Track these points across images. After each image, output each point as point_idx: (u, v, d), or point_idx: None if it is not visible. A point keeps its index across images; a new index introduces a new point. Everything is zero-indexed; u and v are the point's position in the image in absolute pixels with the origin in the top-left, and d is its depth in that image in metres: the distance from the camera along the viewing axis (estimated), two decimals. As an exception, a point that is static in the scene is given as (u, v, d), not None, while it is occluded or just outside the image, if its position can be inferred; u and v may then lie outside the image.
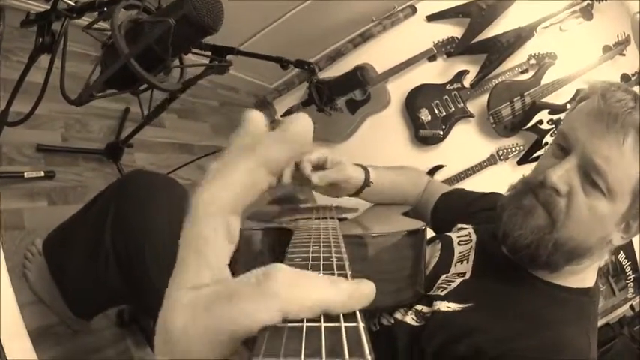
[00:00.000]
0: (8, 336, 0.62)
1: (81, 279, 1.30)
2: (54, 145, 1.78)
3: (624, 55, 2.84)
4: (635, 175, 0.78)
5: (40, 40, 1.07)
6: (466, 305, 0.86)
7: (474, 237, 1.03)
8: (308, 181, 0.99)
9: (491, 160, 3.07)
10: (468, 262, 0.98)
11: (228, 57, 1.23)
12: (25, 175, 1.58)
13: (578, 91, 2.70)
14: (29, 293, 1.42)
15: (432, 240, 1.12)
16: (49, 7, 1.07)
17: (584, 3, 2.83)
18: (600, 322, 2.63)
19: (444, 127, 3.14)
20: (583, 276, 0.89)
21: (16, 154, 1.63)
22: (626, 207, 0.80)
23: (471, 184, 3.01)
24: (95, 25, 1.05)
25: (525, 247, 0.86)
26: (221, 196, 0.36)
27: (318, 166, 1.04)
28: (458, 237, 1.06)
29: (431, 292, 0.93)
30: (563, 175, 0.82)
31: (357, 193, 1.12)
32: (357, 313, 0.29)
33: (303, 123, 0.38)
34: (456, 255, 1.01)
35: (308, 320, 0.27)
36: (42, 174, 1.64)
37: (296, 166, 1.01)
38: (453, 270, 0.98)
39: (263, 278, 0.29)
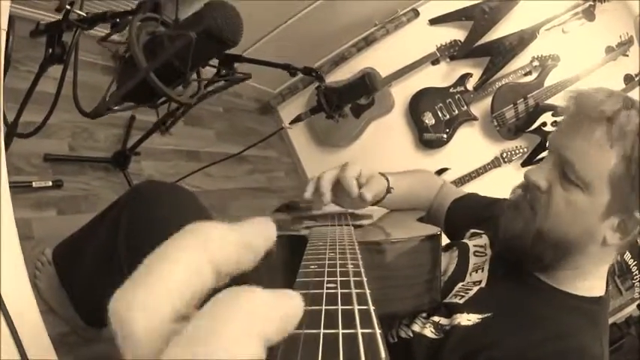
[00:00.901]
0: (29, 338, 0.63)
1: (92, 288, 1.31)
2: (61, 154, 1.78)
3: (627, 55, 2.85)
4: (608, 165, 0.80)
5: (50, 50, 1.07)
6: (485, 316, 0.86)
7: (489, 251, 1.03)
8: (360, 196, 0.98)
9: (495, 163, 3.07)
10: (483, 270, 0.98)
11: (238, 65, 1.23)
12: (33, 184, 1.59)
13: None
14: (40, 303, 1.42)
15: (448, 247, 1.12)
16: (59, 18, 1.07)
17: (587, 4, 2.84)
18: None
19: (447, 130, 3.15)
20: (591, 283, 0.89)
21: (24, 163, 1.63)
22: (606, 200, 0.82)
23: (475, 187, 3.01)
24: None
25: (513, 238, 0.92)
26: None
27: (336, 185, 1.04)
28: (474, 245, 1.06)
29: (447, 300, 0.93)
30: (540, 173, 0.89)
31: (379, 201, 1.12)
32: (374, 319, 0.29)
33: (266, 232, 0.29)
34: (471, 265, 1.01)
35: (325, 327, 0.27)
36: (50, 183, 1.64)
37: (336, 182, 1.00)
38: (468, 279, 0.98)
39: None
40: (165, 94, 0.93)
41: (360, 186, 1.00)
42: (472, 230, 1.13)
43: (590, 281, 0.90)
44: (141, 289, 0.20)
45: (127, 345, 0.19)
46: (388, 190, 1.11)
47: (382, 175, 1.13)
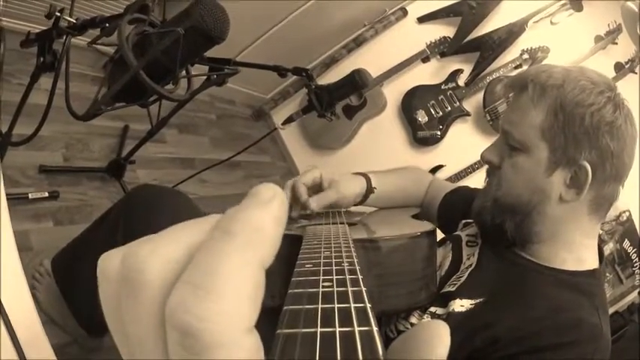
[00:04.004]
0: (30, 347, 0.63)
1: (92, 296, 1.30)
2: (56, 165, 1.78)
3: (616, 43, 2.85)
4: (537, 122, 0.86)
5: (42, 59, 1.07)
6: (478, 300, 0.87)
7: (480, 240, 1.04)
8: (304, 205, 1.02)
9: (491, 157, 3.07)
10: (474, 255, 0.99)
11: (229, 67, 1.23)
12: (30, 196, 1.59)
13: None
14: (40, 314, 1.41)
15: (443, 242, 1.12)
16: (49, 26, 1.07)
17: (573, -5, 2.85)
18: (610, 311, 2.62)
19: (441, 127, 3.15)
20: (579, 256, 0.90)
21: (20, 175, 1.63)
22: (546, 153, 0.86)
23: (472, 182, 3.02)
24: (99, 41, 1.06)
25: (478, 215, 0.99)
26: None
27: (314, 186, 1.08)
28: (466, 235, 1.07)
29: (443, 290, 0.94)
30: (491, 149, 0.97)
31: (362, 201, 1.14)
32: (370, 316, 0.28)
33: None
34: (465, 256, 1.03)
35: (322, 326, 0.27)
36: (46, 194, 1.64)
37: (292, 190, 1.04)
38: (462, 267, 0.99)
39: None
40: (155, 91, 0.93)
41: (321, 191, 1.06)
42: (464, 221, 1.14)
43: (575, 253, 0.90)
44: (211, 300, 0.19)
45: (192, 349, 0.18)
46: (370, 190, 1.13)
47: (363, 175, 1.14)
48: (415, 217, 1.12)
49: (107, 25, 0.98)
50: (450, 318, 0.86)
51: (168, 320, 0.19)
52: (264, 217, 0.22)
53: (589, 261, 0.91)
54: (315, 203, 1.01)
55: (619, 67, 2.84)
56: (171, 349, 0.19)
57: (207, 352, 0.18)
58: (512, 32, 2.92)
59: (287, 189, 1.06)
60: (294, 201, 1.06)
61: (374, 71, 3.12)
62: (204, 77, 1.23)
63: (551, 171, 0.86)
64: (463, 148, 3.13)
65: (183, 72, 1.12)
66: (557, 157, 0.85)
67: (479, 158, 3.09)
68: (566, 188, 0.86)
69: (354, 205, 1.14)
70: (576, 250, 0.90)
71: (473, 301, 0.87)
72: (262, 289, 0.21)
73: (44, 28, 1.13)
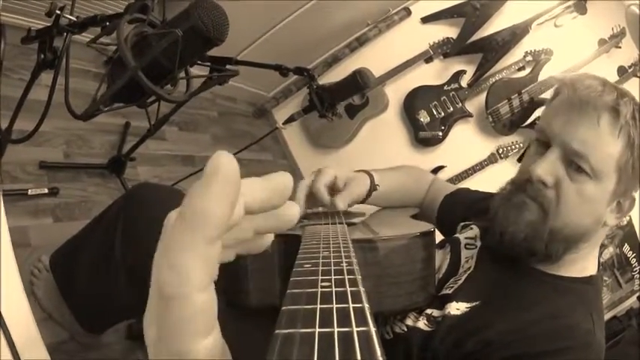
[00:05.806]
0: (24, 346, 0.63)
1: (90, 294, 1.30)
2: (56, 161, 1.78)
3: (620, 47, 2.85)
4: (616, 153, 0.81)
5: (42, 56, 1.07)
6: (474, 304, 0.87)
7: (479, 242, 1.03)
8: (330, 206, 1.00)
9: (492, 159, 3.07)
10: (472, 258, 0.99)
11: (230, 66, 1.23)
12: (29, 192, 1.59)
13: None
14: (38, 310, 1.41)
15: (442, 244, 1.12)
16: (50, 24, 1.07)
17: (578, -3, 2.85)
18: (608, 315, 2.63)
19: (443, 127, 3.15)
20: (583, 264, 0.90)
21: (19, 171, 1.63)
22: (613, 185, 0.83)
23: (473, 184, 3.01)
24: (99, 40, 1.06)
25: (522, 241, 0.88)
26: None
27: (329, 187, 1.06)
28: (465, 238, 1.07)
29: (440, 293, 0.94)
30: (547, 167, 0.85)
31: (365, 199, 1.13)
32: (369, 317, 0.29)
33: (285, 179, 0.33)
34: (463, 258, 1.02)
35: (320, 326, 0.27)
36: (46, 190, 1.64)
37: (310, 190, 1.02)
38: (460, 270, 0.99)
39: None
40: (153, 92, 0.94)
41: (337, 191, 1.03)
42: (462, 223, 1.14)
43: (583, 262, 0.91)
44: (169, 267, 0.26)
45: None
46: (373, 188, 1.12)
47: (366, 172, 1.14)
48: (414, 217, 1.12)
49: (107, 23, 0.98)
50: (446, 320, 0.86)
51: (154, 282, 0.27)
52: (204, 201, 0.27)
53: (589, 268, 0.91)
54: (342, 203, 0.99)
55: (622, 71, 2.83)
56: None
57: (168, 303, 0.26)
58: (516, 34, 2.92)
59: (302, 190, 1.04)
60: (313, 203, 1.04)
61: (377, 71, 3.11)
62: (205, 77, 1.22)
63: (611, 201, 0.85)
64: (464, 149, 3.13)
65: (183, 73, 1.12)
66: (621, 190, 0.84)
67: (480, 159, 3.10)
68: (611, 214, 0.86)
69: (360, 202, 1.13)
70: (586, 259, 0.91)
71: (469, 305, 0.87)
72: (213, 259, 0.27)
73: (46, 24, 1.12)
